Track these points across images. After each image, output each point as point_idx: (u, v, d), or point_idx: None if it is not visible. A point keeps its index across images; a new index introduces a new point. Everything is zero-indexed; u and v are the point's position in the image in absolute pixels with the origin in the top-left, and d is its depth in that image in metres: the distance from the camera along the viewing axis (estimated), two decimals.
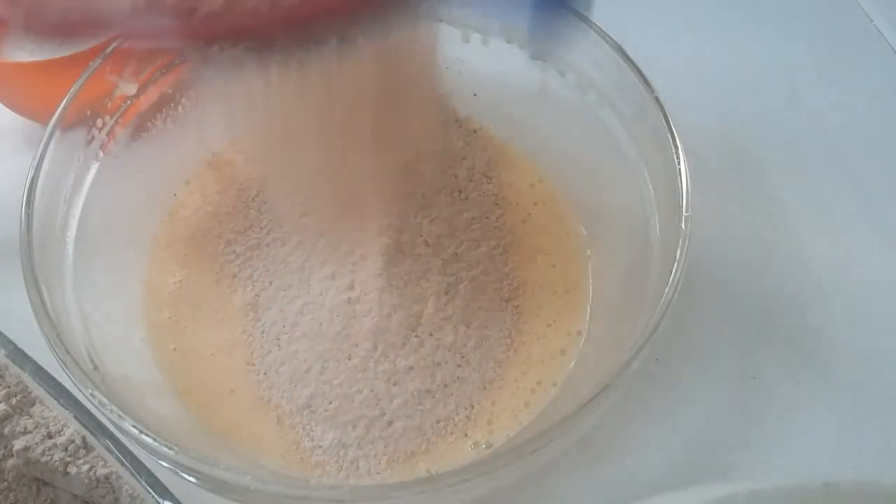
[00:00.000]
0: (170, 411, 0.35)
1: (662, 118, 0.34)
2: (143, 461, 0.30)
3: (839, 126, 0.48)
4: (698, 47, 0.52)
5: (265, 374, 0.36)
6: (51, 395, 0.31)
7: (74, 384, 0.29)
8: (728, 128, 0.48)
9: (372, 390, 0.35)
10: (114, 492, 0.30)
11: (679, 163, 0.33)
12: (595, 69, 0.38)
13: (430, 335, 0.37)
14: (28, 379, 0.32)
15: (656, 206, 0.35)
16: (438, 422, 0.35)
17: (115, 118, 0.38)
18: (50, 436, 0.30)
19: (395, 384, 0.35)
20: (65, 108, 0.35)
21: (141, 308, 0.38)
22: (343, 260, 0.38)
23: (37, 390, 0.32)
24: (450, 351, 0.36)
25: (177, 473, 0.28)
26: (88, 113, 0.36)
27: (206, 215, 0.41)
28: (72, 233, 0.35)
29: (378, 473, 0.34)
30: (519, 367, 0.37)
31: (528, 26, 0.39)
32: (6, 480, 0.30)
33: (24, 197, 0.32)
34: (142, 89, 0.39)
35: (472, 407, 0.35)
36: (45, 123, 0.34)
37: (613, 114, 0.38)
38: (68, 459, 0.30)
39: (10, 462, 0.30)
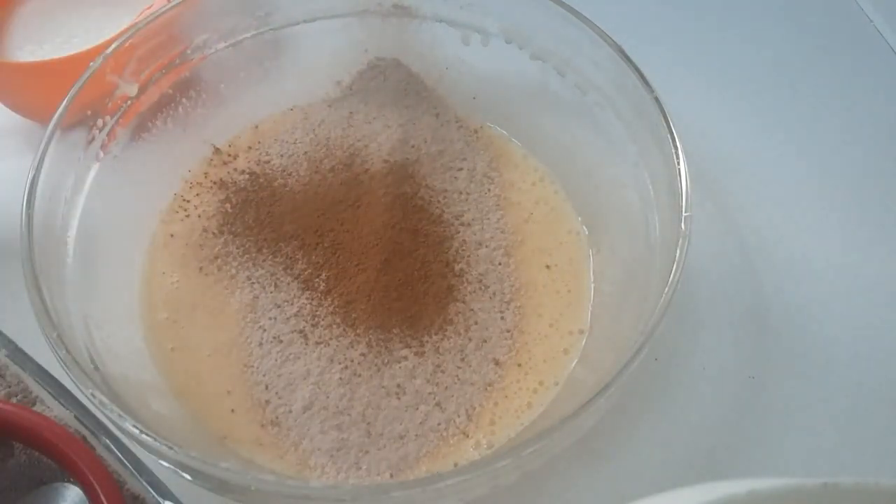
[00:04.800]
0: (170, 411, 0.35)
1: (662, 118, 0.35)
2: (144, 461, 0.30)
3: (839, 126, 0.48)
4: (698, 48, 0.52)
5: (263, 375, 0.36)
6: (51, 394, 0.31)
7: (75, 384, 0.29)
8: (728, 127, 0.48)
9: (372, 392, 0.35)
10: None
11: (679, 163, 0.33)
12: (595, 69, 0.38)
13: (431, 337, 0.37)
14: (28, 379, 0.32)
15: (656, 206, 0.35)
16: (439, 423, 0.35)
17: (115, 118, 0.38)
18: None
19: (395, 386, 0.35)
20: (65, 108, 0.35)
21: (140, 308, 0.38)
22: (343, 261, 0.38)
23: (37, 390, 0.32)
24: (450, 353, 0.36)
25: (177, 473, 0.28)
26: (89, 113, 0.36)
27: (206, 216, 0.41)
28: (72, 233, 0.35)
29: (378, 475, 0.34)
30: (521, 367, 0.37)
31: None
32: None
33: (25, 197, 0.32)
34: (142, 89, 0.39)
35: (474, 408, 0.35)
36: (45, 123, 0.34)
37: (613, 114, 0.38)
38: None
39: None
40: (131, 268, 0.39)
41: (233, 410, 0.35)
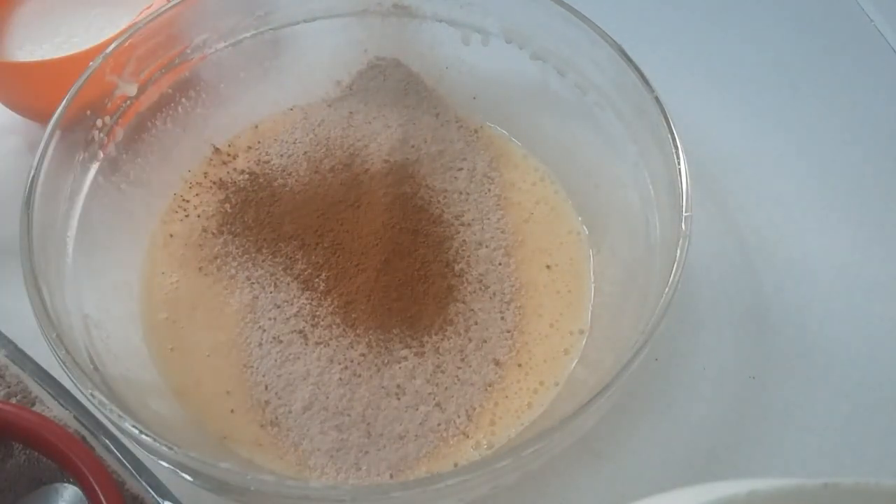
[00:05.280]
0: (170, 411, 0.35)
1: (662, 118, 0.35)
2: (143, 461, 0.30)
3: (839, 126, 0.48)
4: (698, 47, 0.52)
5: (263, 376, 0.36)
6: (51, 395, 0.31)
7: (74, 384, 0.29)
8: (728, 127, 0.48)
9: (371, 393, 0.35)
10: None
11: (679, 163, 0.33)
12: (595, 69, 0.38)
13: (431, 337, 0.37)
14: (28, 379, 0.32)
15: (656, 206, 0.35)
16: (439, 424, 0.35)
17: (114, 118, 0.38)
18: None
19: (395, 386, 0.35)
20: (65, 108, 0.35)
21: (140, 308, 0.38)
22: (343, 262, 0.38)
23: (37, 390, 0.32)
24: (450, 353, 0.36)
25: (177, 473, 0.28)
26: (88, 113, 0.36)
27: (205, 216, 0.41)
28: (72, 233, 0.35)
29: (378, 475, 0.33)
30: (521, 367, 0.37)
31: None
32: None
33: (25, 197, 0.32)
34: (141, 89, 0.39)
35: (474, 409, 0.35)
36: (45, 123, 0.34)
37: (613, 114, 0.38)
38: None
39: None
40: (131, 268, 0.39)
41: (232, 411, 0.35)
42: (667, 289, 0.31)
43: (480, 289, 0.38)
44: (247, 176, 0.42)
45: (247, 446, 0.34)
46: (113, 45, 0.37)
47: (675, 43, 0.52)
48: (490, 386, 0.36)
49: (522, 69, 0.41)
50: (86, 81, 0.35)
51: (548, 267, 0.39)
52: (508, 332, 0.37)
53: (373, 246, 0.38)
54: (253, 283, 0.38)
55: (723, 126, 0.48)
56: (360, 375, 0.35)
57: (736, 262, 0.42)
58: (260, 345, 0.37)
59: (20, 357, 0.32)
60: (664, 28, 0.53)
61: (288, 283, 0.38)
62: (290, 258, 0.39)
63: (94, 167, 0.37)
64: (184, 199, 0.41)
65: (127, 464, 0.30)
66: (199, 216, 0.41)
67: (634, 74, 0.36)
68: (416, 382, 0.35)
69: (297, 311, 0.37)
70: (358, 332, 0.36)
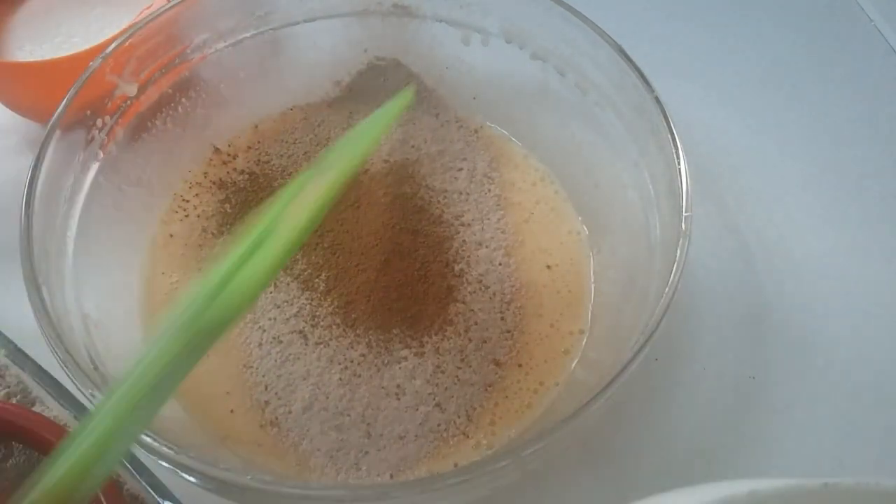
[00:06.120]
0: (169, 412, 0.35)
1: (662, 118, 0.35)
2: (144, 461, 0.30)
3: (839, 126, 0.48)
4: (699, 47, 0.52)
5: (263, 376, 0.36)
6: (51, 395, 0.31)
7: (74, 384, 0.29)
8: (728, 127, 0.48)
9: (371, 393, 0.35)
10: None
11: (679, 163, 0.33)
12: (595, 69, 0.38)
13: (431, 337, 0.37)
14: (28, 379, 0.32)
15: (656, 206, 0.35)
16: (439, 424, 0.35)
17: (114, 118, 0.38)
18: None
19: (395, 387, 0.35)
20: (65, 108, 0.35)
21: (140, 308, 0.38)
22: (343, 262, 0.38)
23: (37, 390, 0.32)
24: (450, 353, 0.36)
25: (177, 473, 0.28)
26: (88, 113, 0.36)
27: (205, 216, 0.41)
28: (72, 233, 0.35)
29: (378, 476, 0.33)
30: (521, 368, 0.37)
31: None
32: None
33: (24, 197, 0.32)
34: (141, 89, 0.39)
35: (474, 409, 0.35)
36: (45, 123, 0.34)
37: (614, 114, 0.38)
38: None
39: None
40: (131, 268, 0.39)
41: (232, 411, 0.35)
42: (667, 289, 0.31)
43: (480, 289, 0.38)
44: (247, 176, 0.42)
45: (247, 446, 0.34)
46: (113, 45, 0.37)
47: (675, 43, 0.52)
48: (490, 386, 0.36)
49: (522, 69, 0.41)
50: (86, 81, 0.35)
51: (548, 267, 0.39)
52: (508, 332, 0.37)
53: (373, 246, 0.38)
54: None
55: (723, 126, 0.48)
56: (360, 375, 0.35)
57: (736, 262, 0.42)
58: (260, 345, 0.37)
59: (20, 357, 0.32)
60: (664, 28, 0.53)
61: (288, 283, 0.38)
62: (290, 259, 0.39)
63: (94, 167, 0.37)
64: (184, 200, 0.41)
65: (127, 464, 0.30)
66: (199, 216, 0.41)
67: (634, 74, 0.36)
68: (416, 383, 0.35)
69: (297, 312, 0.37)
70: (358, 332, 0.36)
